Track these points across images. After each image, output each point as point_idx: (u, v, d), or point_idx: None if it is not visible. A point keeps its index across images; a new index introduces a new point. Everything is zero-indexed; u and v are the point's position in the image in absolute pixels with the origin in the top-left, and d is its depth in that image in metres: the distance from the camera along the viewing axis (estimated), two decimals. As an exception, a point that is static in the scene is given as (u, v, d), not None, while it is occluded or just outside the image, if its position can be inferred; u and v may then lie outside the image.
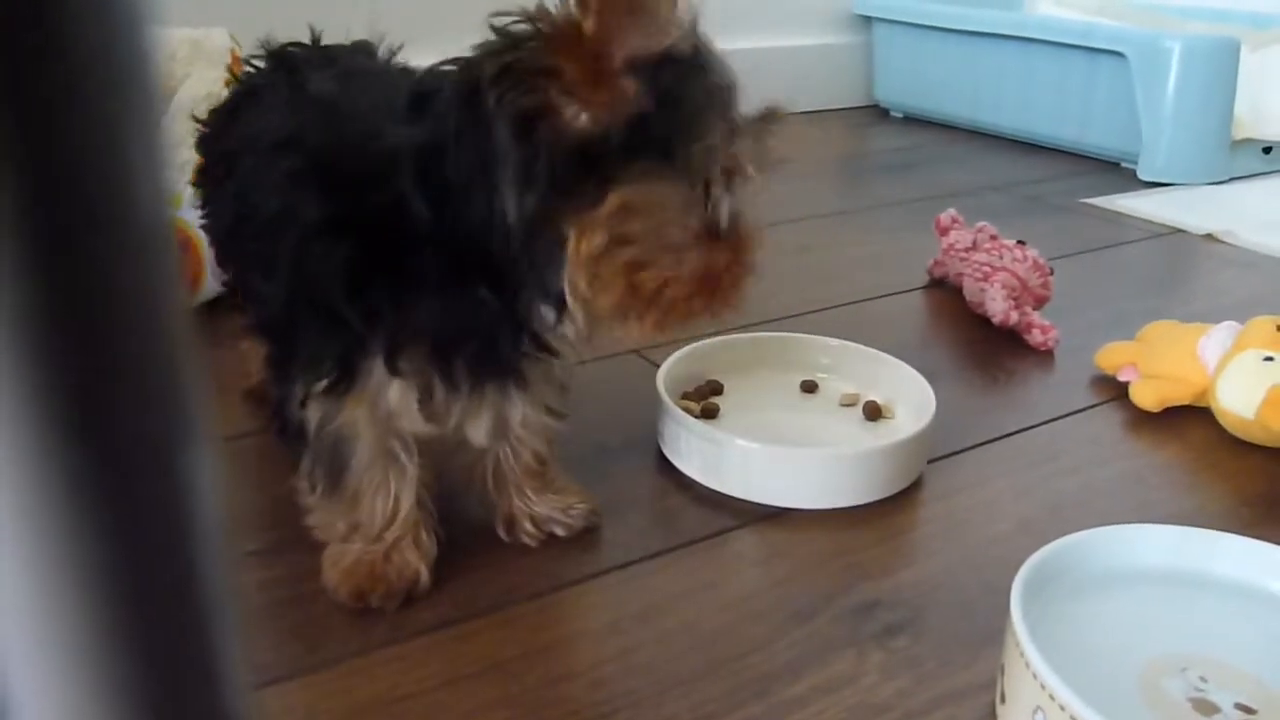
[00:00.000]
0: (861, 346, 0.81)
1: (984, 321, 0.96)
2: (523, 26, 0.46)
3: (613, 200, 0.47)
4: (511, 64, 0.45)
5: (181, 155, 0.91)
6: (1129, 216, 1.37)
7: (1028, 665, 0.45)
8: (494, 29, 0.47)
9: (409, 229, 0.48)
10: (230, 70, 1.00)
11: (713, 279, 0.51)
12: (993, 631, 0.54)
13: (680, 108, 0.47)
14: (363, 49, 0.66)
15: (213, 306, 0.93)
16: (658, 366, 0.76)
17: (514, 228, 0.47)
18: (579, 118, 0.46)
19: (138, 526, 0.14)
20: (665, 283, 0.50)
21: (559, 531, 0.62)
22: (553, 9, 0.45)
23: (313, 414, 0.53)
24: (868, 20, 2.00)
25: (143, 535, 0.14)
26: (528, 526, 0.61)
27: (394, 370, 0.51)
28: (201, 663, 0.15)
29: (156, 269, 0.14)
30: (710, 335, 0.82)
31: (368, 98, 0.54)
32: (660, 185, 0.48)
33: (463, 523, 0.64)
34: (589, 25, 0.44)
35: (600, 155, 0.46)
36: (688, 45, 0.48)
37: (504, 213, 0.47)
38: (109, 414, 0.13)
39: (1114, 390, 0.85)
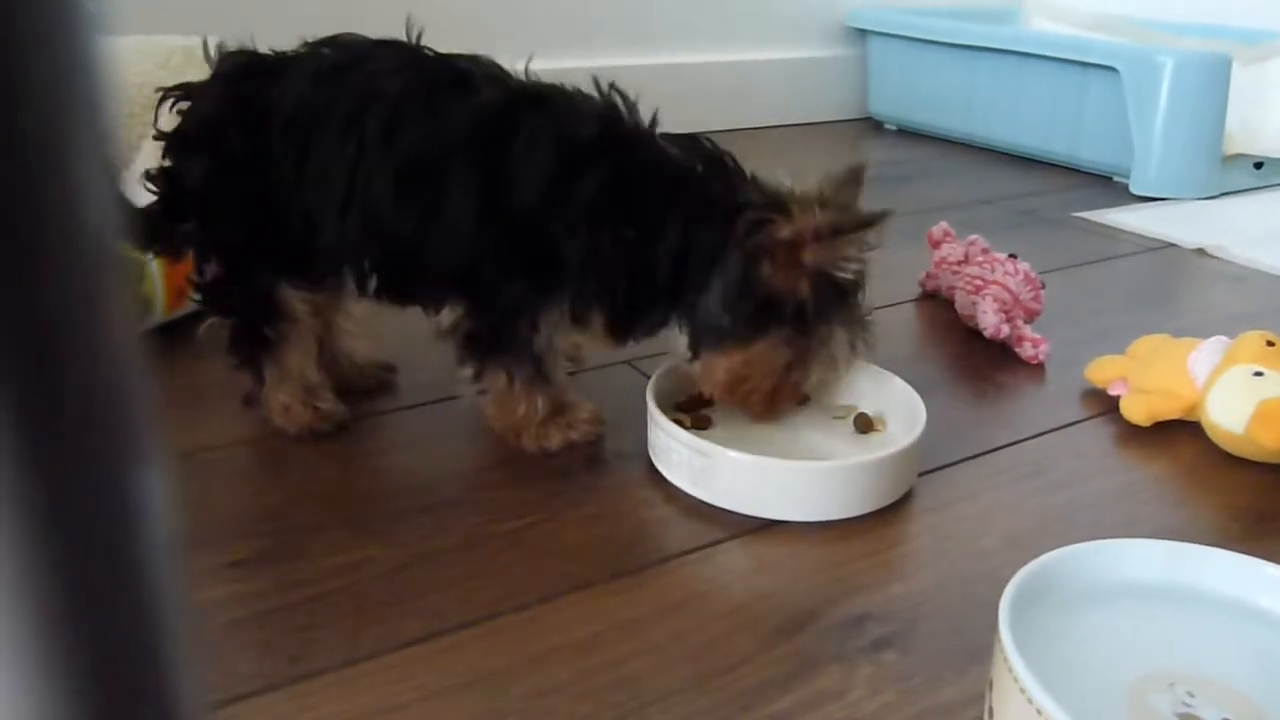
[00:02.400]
0: (852, 359, 0.81)
1: (975, 335, 0.96)
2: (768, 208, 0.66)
3: (760, 343, 0.68)
4: (757, 223, 0.66)
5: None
6: (1121, 231, 1.37)
7: (1015, 680, 0.45)
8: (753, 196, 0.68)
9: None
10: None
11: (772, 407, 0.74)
12: (981, 646, 0.54)
13: (827, 312, 0.68)
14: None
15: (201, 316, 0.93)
16: (648, 378, 0.76)
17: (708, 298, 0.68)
18: (771, 276, 0.66)
19: (85, 547, 0.14)
20: (749, 395, 0.72)
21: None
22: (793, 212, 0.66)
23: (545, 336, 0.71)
24: (862, 33, 2.01)
25: (91, 556, 0.14)
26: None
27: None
28: (154, 685, 0.15)
29: (105, 290, 0.14)
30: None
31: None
32: (784, 350, 0.69)
33: (449, 534, 0.64)
34: (789, 232, 0.65)
35: (771, 307, 0.67)
36: (851, 272, 0.68)
37: (705, 287, 0.68)
38: (55, 435, 0.13)
39: (1104, 404, 0.85)
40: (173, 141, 0.71)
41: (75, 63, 0.13)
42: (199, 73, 0.99)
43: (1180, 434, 0.80)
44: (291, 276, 0.73)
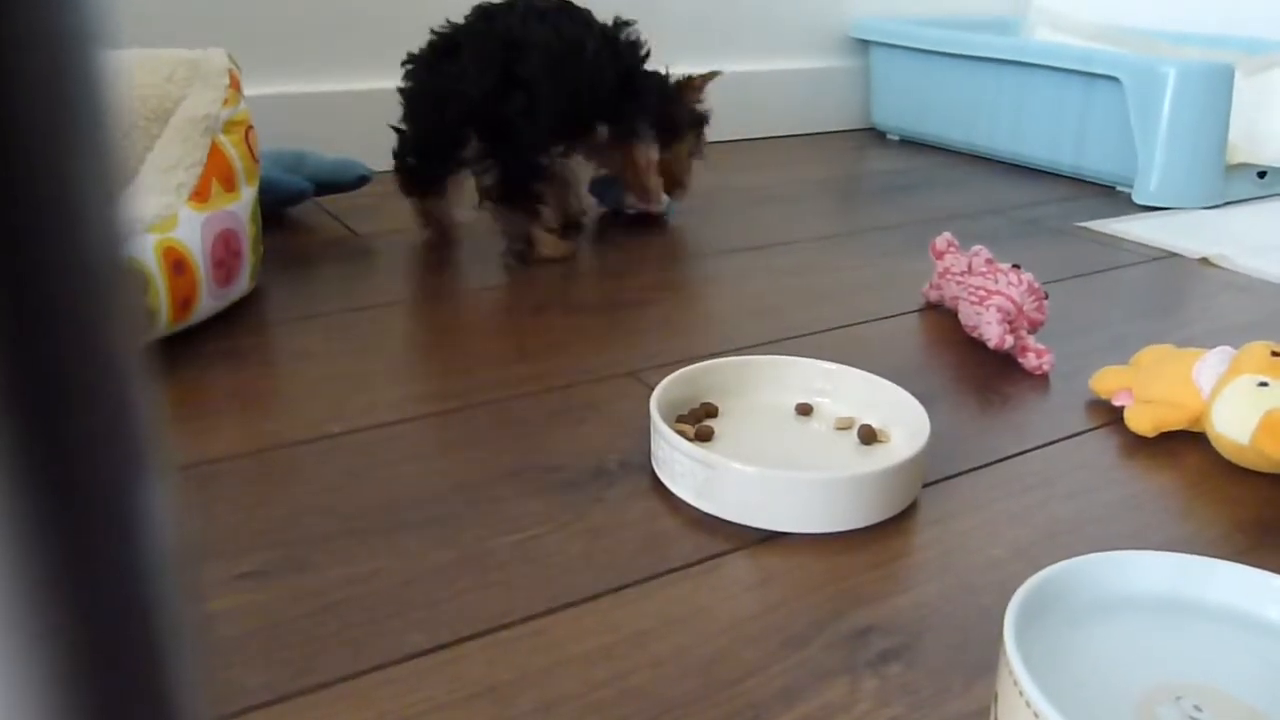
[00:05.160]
0: (857, 370, 0.81)
1: (979, 345, 0.96)
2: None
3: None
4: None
5: (178, 176, 0.91)
6: (1124, 241, 1.37)
7: (1021, 693, 0.45)
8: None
9: None
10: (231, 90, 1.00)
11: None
12: (987, 658, 0.54)
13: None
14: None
15: (206, 328, 0.93)
16: (652, 389, 0.76)
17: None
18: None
19: (87, 564, 0.14)
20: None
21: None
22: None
23: None
24: (865, 44, 2.01)
25: (93, 573, 0.14)
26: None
27: None
28: (155, 703, 0.15)
29: (108, 307, 0.14)
30: (705, 358, 0.82)
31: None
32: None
33: (455, 546, 0.64)
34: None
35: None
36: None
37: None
38: (57, 450, 0.13)
39: (1109, 415, 0.85)
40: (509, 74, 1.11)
41: (76, 74, 0.13)
42: (204, 86, 0.99)
43: (1186, 445, 0.80)
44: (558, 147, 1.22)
